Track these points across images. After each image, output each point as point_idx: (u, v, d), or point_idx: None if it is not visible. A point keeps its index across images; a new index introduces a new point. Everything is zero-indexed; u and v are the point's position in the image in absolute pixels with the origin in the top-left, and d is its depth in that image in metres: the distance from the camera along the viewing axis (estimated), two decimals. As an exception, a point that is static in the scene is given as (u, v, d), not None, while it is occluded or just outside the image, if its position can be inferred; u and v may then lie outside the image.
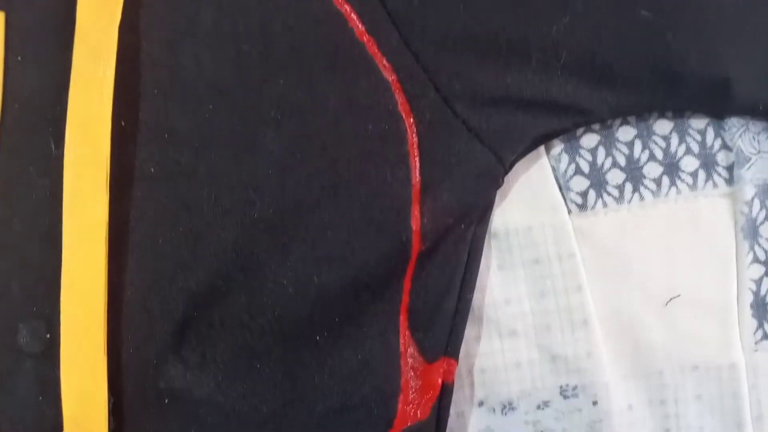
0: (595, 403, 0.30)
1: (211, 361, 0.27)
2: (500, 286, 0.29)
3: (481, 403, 0.30)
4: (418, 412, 0.28)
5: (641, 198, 0.29)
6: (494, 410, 0.30)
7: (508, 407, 0.30)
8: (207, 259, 0.27)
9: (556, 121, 0.27)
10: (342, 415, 0.27)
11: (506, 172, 0.28)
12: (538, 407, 0.30)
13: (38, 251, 0.27)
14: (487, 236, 0.29)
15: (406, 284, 0.28)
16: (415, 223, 0.27)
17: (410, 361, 0.28)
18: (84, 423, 0.26)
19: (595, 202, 0.29)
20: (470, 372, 0.30)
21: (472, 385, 0.30)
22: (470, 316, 0.29)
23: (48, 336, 0.27)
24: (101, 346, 0.26)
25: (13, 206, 0.27)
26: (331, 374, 0.27)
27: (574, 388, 0.30)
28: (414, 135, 0.27)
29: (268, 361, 0.27)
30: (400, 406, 0.28)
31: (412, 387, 0.28)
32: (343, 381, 0.27)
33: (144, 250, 0.26)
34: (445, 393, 0.28)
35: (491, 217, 0.29)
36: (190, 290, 0.27)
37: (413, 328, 0.28)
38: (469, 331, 0.29)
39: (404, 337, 0.28)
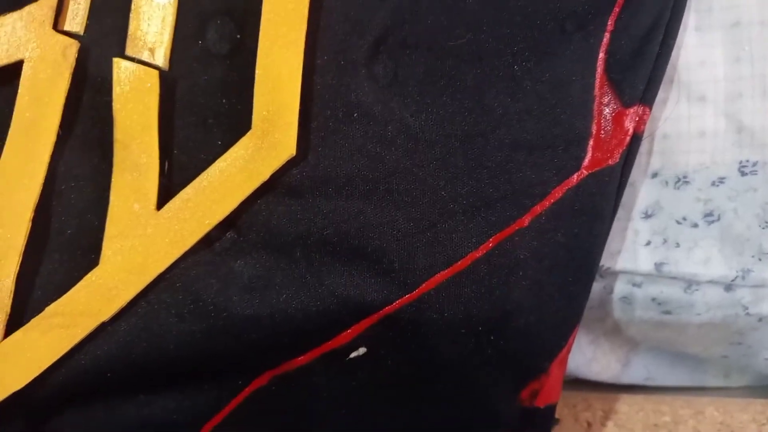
0: (773, 182, 0.29)
1: (402, 82, 0.26)
2: (695, 47, 0.28)
3: (654, 175, 0.29)
4: (608, 157, 0.27)
5: None
6: (667, 183, 0.29)
7: (681, 181, 0.29)
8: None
9: None
10: (531, 152, 0.26)
11: None
12: (713, 183, 0.29)
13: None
14: (688, -6, 0.28)
15: (610, 24, 0.27)
16: (632, -50, 0.26)
17: (604, 105, 0.27)
18: (274, 122, 0.25)
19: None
20: (651, 137, 0.29)
21: (649, 153, 0.29)
22: (660, 78, 0.28)
23: (238, 36, 0.26)
24: (299, 42, 0.25)
25: None
26: (524, 107, 0.26)
27: (755, 164, 0.29)
28: None
29: (462, 87, 0.26)
30: (590, 149, 0.27)
31: (603, 131, 0.27)
32: (535, 116, 0.26)
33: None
34: (635, 142, 0.27)
35: (696, -28, 0.28)
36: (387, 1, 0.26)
37: (611, 70, 0.27)
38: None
39: (601, 78, 0.27)
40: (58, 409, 0.28)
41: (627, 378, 0.39)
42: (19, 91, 0.26)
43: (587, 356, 0.37)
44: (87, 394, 0.27)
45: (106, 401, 0.28)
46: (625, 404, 0.39)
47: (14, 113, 0.26)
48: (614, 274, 0.31)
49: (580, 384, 0.39)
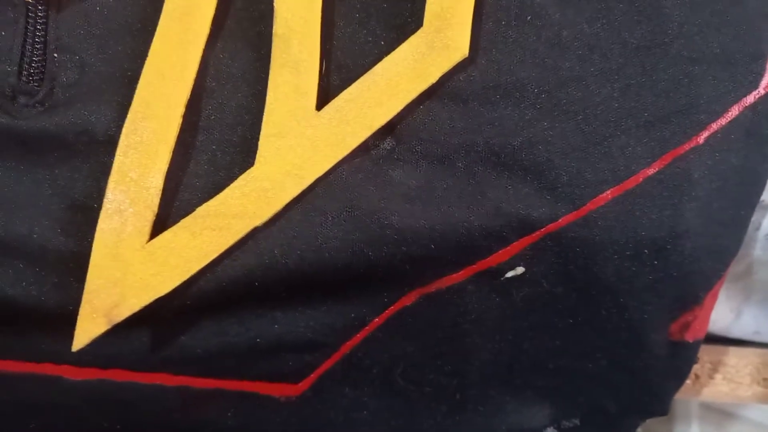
0: None
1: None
2: None
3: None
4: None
5: None
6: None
7: None
8: None
9: None
10: (710, 66, 0.25)
11: None
12: None
13: None
14: None
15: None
16: None
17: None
18: (447, 19, 0.24)
19: None
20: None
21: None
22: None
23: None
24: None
25: None
26: (704, 19, 0.25)
27: None
28: None
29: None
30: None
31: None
32: (715, 29, 0.25)
33: None
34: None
35: None
36: None
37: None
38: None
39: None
40: (189, 322, 0.26)
41: (737, 330, 0.38)
42: (172, -21, 0.25)
43: (704, 304, 0.36)
44: (223, 308, 0.26)
45: (240, 317, 0.26)
46: (734, 357, 0.38)
47: (165, 3, 0.25)
48: (765, 209, 0.30)
49: (686, 335, 0.38)
